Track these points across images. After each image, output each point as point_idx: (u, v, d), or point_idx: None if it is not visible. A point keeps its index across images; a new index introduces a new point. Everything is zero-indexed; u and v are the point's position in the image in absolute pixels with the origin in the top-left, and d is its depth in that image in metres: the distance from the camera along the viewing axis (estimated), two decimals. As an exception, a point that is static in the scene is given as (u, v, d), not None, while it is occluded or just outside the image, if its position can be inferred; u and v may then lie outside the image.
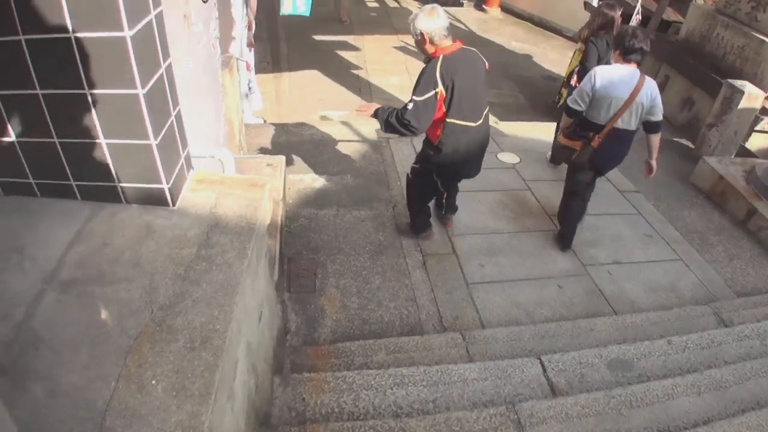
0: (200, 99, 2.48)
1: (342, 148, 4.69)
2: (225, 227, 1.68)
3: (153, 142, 1.54)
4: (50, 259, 1.51)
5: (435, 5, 2.78)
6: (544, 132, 5.52)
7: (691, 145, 5.55)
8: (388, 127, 2.88)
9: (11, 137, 1.53)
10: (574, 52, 7.12)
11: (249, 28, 5.24)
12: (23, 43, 1.33)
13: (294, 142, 4.68)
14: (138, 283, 1.48)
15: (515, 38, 9.64)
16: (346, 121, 5.24)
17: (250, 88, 5.65)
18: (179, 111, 1.71)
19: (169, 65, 1.60)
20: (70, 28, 1.30)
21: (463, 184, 4.28)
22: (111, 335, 1.36)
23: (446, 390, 2.35)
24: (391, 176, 4.36)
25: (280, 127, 4.98)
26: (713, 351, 2.81)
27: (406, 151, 4.65)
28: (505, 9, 11.46)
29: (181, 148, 1.75)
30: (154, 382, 1.26)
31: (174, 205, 1.73)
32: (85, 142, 1.53)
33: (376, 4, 10.96)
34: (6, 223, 1.61)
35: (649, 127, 3.23)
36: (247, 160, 3.70)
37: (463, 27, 10.54)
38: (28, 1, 1.26)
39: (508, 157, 4.83)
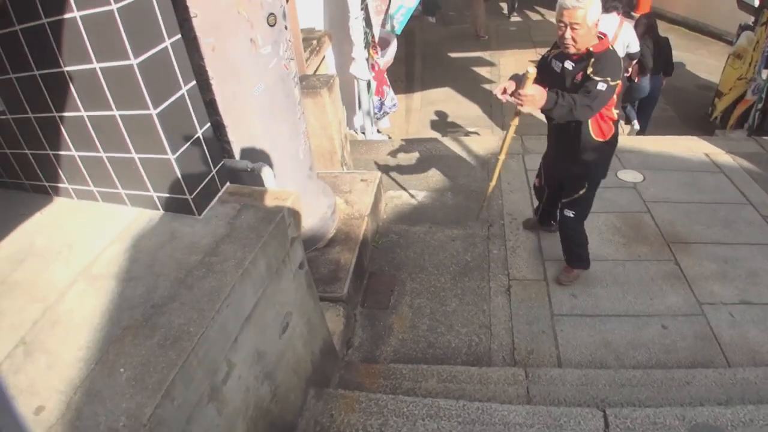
0: (273, 116, 2.67)
1: (449, 164, 4.60)
2: (235, 237, 1.78)
3: (171, 156, 1.71)
4: (89, 255, 1.77)
5: None
6: (681, 147, 4.69)
7: None
8: (563, 110, 2.45)
9: (72, 152, 1.84)
10: (728, 57, 6.06)
11: (374, 48, 5.47)
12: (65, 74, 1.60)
13: (404, 158, 4.72)
14: (144, 282, 1.65)
15: (668, 44, 8.54)
16: (459, 138, 5.13)
17: (383, 106, 5.89)
18: (209, 128, 1.86)
19: (193, 86, 1.75)
20: (93, 59, 1.53)
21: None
22: (107, 324, 1.54)
23: (482, 431, 2.12)
24: (494, 194, 4.14)
25: (396, 144, 5.08)
26: None
27: (514, 168, 4.38)
28: (656, 14, 10.43)
29: (211, 161, 1.91)
30: (122, 370, 1.39)
31: (200, 214, 1.89)
32: (124, 156, 1.77)
33: (518, 18, 10.61)
34: (68, 223, 1.93)
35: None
36: (342, 175, 3.86)
37: (621, 35, 9.62)
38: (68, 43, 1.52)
39: (630, 176, 4.23)
